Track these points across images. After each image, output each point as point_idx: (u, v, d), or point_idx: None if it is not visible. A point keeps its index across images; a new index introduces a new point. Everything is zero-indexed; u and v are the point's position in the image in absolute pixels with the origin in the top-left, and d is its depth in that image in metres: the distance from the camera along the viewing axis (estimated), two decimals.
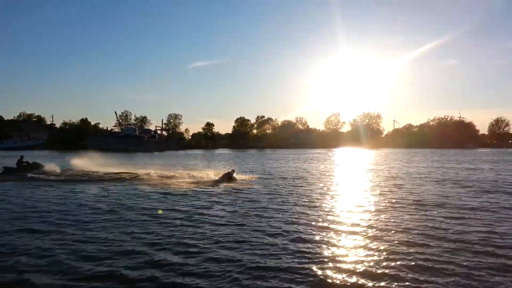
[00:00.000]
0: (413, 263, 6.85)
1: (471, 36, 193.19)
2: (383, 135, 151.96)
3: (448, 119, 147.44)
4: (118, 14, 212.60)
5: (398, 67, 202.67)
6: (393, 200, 13.70)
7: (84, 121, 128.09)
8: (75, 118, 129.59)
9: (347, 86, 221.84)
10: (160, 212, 11.72)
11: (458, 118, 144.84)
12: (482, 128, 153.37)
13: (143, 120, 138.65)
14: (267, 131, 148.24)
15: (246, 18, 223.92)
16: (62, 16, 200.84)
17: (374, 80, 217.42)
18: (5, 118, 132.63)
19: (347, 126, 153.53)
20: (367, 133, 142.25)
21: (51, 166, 26.60)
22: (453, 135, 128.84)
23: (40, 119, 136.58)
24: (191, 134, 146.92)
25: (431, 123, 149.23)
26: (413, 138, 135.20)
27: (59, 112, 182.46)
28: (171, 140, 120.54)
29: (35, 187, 18.28)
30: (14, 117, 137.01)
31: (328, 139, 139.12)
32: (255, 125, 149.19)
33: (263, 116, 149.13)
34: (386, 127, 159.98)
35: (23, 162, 25.01)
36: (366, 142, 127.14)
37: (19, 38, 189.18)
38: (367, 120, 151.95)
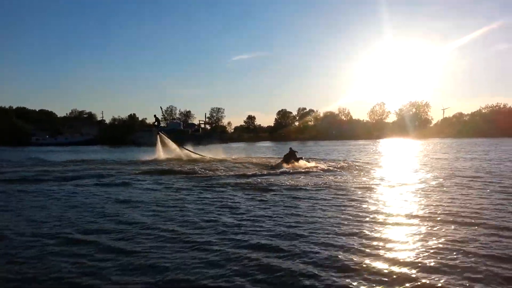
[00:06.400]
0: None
1: None
2: (431, 125, 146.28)
3: (502, 106, 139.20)
4: (162, 11, 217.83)
5: (447, 53, 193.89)
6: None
7: (132, 117, 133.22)
8: (124, 114, 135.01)
9: (392, 75, 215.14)
10: None
11: None
12: None
13: (187, 114, 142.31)
14: (309, 123, 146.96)
15: (287, 7, 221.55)
16: (109, 16, 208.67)
17: (422, 68, 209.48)
18: (58, 115, 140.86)
19: (392, 116, 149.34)
20: (415, 123, 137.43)
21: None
22: (506, 123, 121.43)
23: (90, 116, 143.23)
24: (233, 128, 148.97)
25: (483, 111, 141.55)
26: (463, 127, 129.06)
27: (108, 108, 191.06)
28: (214, 133, 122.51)
29: None
30: (66, 114, 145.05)
31: (373, 130, 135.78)
32: (297, 117, 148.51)
33: (305, 108, 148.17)
34: (435, 116, 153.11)
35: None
36: (413, 132, 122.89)
37: (70, 40, 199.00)
38: (414, 110, 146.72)
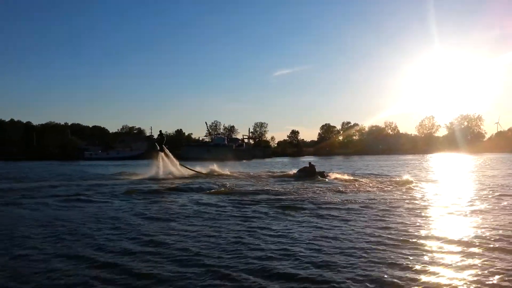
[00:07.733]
0: None
1: None
2: (485, 139, 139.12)
3: None
4: (204, 29, 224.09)
5: (501, 65, 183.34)
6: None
7: (179, 132, 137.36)
8: (171, 129, 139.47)
9: (442, 87, 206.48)
10: None
11: None
12: None
13: (231, 129, 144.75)
14: (354, 137, 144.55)
15: (329, 19, 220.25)
16: (158, 36, 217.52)
17: (473, 79, 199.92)
18: (110, 131, 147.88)
19: (442, 130, 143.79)
20: (467, 137, 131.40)
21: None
22: None
23: (140, 131, 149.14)
24: (276, 142, 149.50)
25: None
26: None
27: (157, 124, 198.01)
28: (258, 148, 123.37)
29: None
30: (118, 129, 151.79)
31: (421, 144, 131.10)
32: (341, 131, 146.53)
33: (349, 122, 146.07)
34: (489, 130, 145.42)
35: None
36: (465, 147, 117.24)
37: (120, 60, 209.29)
38: (466, 123, 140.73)
